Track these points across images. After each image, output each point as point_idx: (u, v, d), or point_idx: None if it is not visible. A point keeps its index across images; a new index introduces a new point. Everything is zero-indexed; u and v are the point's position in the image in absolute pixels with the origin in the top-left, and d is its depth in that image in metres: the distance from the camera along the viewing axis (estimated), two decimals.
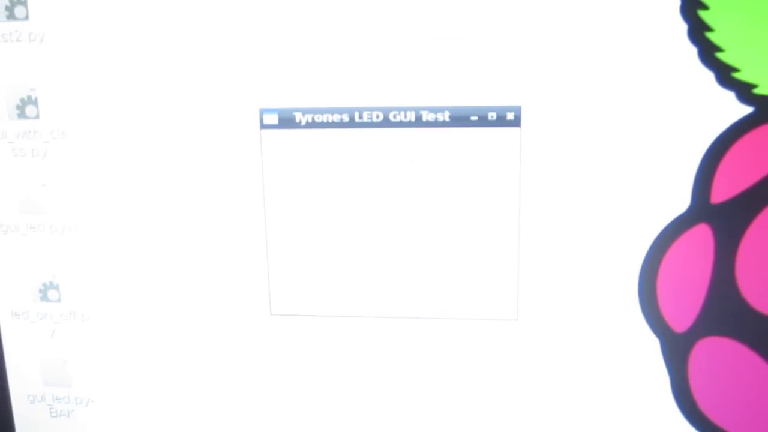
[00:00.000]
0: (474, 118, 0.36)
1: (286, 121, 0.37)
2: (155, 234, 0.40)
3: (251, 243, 0.39)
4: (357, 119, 0.37)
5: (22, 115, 0.39)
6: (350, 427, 0.41)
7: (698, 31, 0.34)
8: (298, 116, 0.37)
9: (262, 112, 0.38)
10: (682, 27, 0.34)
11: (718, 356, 0.37)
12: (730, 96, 0.34)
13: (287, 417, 0.42)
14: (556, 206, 0.37)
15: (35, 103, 0.39)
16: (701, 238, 0.36)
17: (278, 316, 0.40)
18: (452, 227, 0.38)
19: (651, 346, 0.38)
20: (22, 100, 0.39)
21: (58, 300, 0.41)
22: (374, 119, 0.37)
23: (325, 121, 0.37)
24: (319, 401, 0.41)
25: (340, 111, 0.37)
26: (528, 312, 0.38)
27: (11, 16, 0.38)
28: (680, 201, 0.36)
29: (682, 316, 0.37)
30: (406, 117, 0.37)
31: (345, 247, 0.39)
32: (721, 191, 0.36)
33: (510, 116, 0.36)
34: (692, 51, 0.34)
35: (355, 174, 0.38)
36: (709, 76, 0.34)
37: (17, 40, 0.38)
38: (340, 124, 0.37)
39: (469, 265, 0.38)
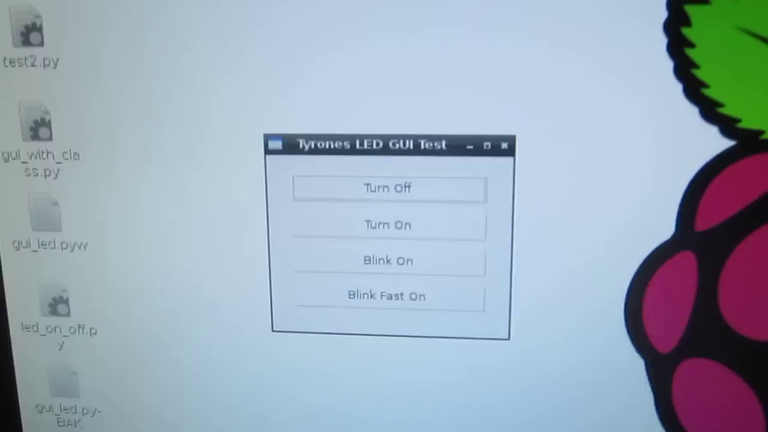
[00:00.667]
0: (470, 146, 0.38)
1: (290, 146, 0.39)
2: (161, 252, 0.41)
3: (255, 263, 0.41)
4: (358, 146, 0.39)
5: (35, 136, 0.40)
6: None
7: (685, 68, 0.36)
8: (302, 142, 0.39)
9: (267, 138, 0.39)
10: (669, 64, 0.36)
11: (701, 376, 0.39)
12: (713, 130, 0.36)
13: None
14: (547, 230, 0.38)
15: (48, 125, 0.40)
16: (685, 264, 0.38)
17: (280, 333, 0.42)
18: (446, 248, 0.39)
19: (636, 366, 0.39)
20: (35, 122, 0.40)
21: (68, 314, 0.43)
22: (374, 146, 0.38)
23: (327, 147, 0.39)
24: (321, 419, 0.43)
25: (342, 138, 0.39)
26: (519, 332, 0.40)
27: (26, 41, 0.39)
28: (665, 229, 0.37)
29: (666, 338, 0.39)
30: (405, 144, 0.38)
31: (344, 264, 0.40)
32: (705, 220, 0.37)
33: (504, 146, 0.38)
34: (678, 87, 0.36)
35: (355, 197, 0.39)
36: (694, 110, 0.36)
37: (32, 65, 0.40)
38: (342, 151, 0.39)
39: (462, 283, 0.40)
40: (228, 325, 0.42)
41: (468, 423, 0.41)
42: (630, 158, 0.37)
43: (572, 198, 0.38)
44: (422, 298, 0.40)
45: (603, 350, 0.39)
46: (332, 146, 0.38)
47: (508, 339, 0.39)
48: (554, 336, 0.39)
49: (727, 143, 0.36)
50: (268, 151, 0.39)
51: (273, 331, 0.41)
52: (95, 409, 0.44)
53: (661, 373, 0.39)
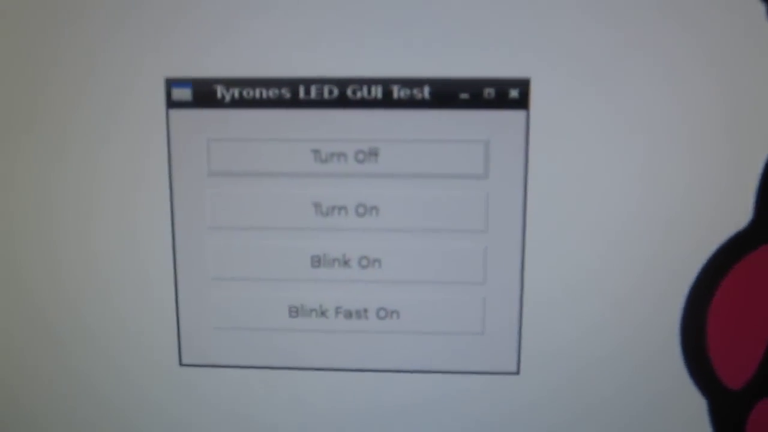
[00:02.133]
0: (463, 95, 0.26)
1: (203, 96, 0.27)
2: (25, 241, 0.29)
3: (153, 267, 0.28)
4: (302, 95, 0.27)
5: None
6: None
7: None
8: (220, 91, 0.27)
9: (171, 84, 0.27)
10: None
11: None
12: None
13: None
14: (573, 219, 0.27)
15: None
16: (765, 262, 0.27)
17: (190, 368, 0.29)
18: (429, 243, 0.28)
19: (695, 408, 0.28)
20: None
21: None
22: (326, 95, 0.27)
23: (256, 96, 0.27)
24: None
25: (278, 84, 0.27)
26: (533, 364, 0.28)
27: None
28: (739, 215, 0.27)
29: (738, 369, 0.28)
30: (370, 93, 0.27)
31: (282, 267, 0.28)
32: None
33: (513, 94, 0.26)
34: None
35: (298, 170, 0.27)
36: None
37: None
38: (278, 102, 0.27)
39: (452, 294, 0.28)
40: (121, 359, 0.29)
41: None
42: (693, 119, 0.27)
43: (609, 172, 0.27)
44: (394, 315, 0.28)
45: (650, 387, 0.29)
46: (263, 96, 0.27)
47: (517, 373, 0.29)
48: (580, 368, 0.29)
49: None
50: (171, 104, 0.27)
51: (181, 365, 0.29)
52: None
53: (729, 416, 0.29)
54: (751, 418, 0.29)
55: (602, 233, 0.27)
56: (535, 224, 0.27)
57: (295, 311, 0.29)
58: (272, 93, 0.27)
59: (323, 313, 0.28)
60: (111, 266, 0.29)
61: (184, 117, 0.27)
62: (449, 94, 0.27)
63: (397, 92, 0.27)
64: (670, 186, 0.27)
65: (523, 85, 0.26)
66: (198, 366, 0.29)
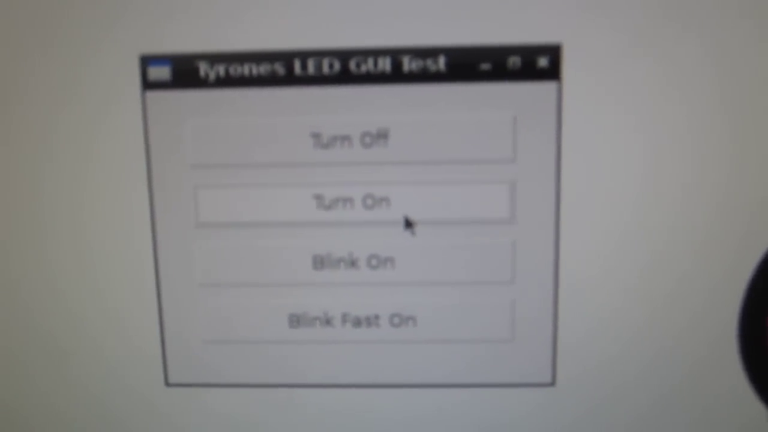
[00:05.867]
0: (485, 66, 0.23)
1: (184, 75, 0.23)
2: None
3: (134, 274, 0.25)
4: (298, 71, 0.23)
5: None
6: None
7: None
8: (203, 68, 0.23)
9: (147, 62, 0.23)
10: None
11: None
12: None
13: None
14: (617, 207, 0.24)
15: None
16: None
17: (178, 388, 0.26)
18: (449, 238, 0.24)
19: (756, 420, 0.25)
20: None
21: None
22: (327, 70, 0.23)
23: (246, 74, 0.23)
24: None
25: (272, 58, 0.23)
26: (570, 374, 0.25)
27: None
28: None
29: None
30: (376, 66, 0.23)
31: (280, 270, 0.25)
32: None
33: (543, 62, 0.23)
34: None
35: (296, 158, 0.24)
36: None
37: None
38: (271, 79, 0.23)
39: (477, 296, 0.24)
40: (99, 381, 0.26)
41: None
42: (742, 88, 0.22)
43: (653, 150, 0.23)
44: (410, 322, 0.25)
45: (702, 398, 0.25)
46: (253, 73, 0.23)
47: (553, 385, 0.24)
48: (624, 379, 0.25)
49: None
50: (147, 84, 0.23)
51: (167, 385, 0.25)
52: None
53: None
54: None
55: (647, 224, 0.24)
56: (570, 213, 0.24)
57: (296, 320, 0.25)
58: (263, 69, 0.23)
59: (328, 322, 0.25)
60: (82, 273, 0.25)
61: (162, 99, 0.24)
62: (468, 65, 0.23)
63: (408, 64, 0.23)
64: (722, 168, 0.23)
65: (554, 52, 0.23)
66: (186, 386, 0.26)
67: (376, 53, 0.23)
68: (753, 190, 0.23)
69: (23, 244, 0.25)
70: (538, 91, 0.23)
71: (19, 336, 0.25)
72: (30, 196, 0.24)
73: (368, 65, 0.23)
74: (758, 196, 0.23)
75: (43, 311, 0.25)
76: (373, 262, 0.24)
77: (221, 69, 0.23)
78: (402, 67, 0.23)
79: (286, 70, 0.23)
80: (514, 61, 0.23)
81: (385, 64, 0.23)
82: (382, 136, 0.24)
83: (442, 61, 0.23)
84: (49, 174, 0.24)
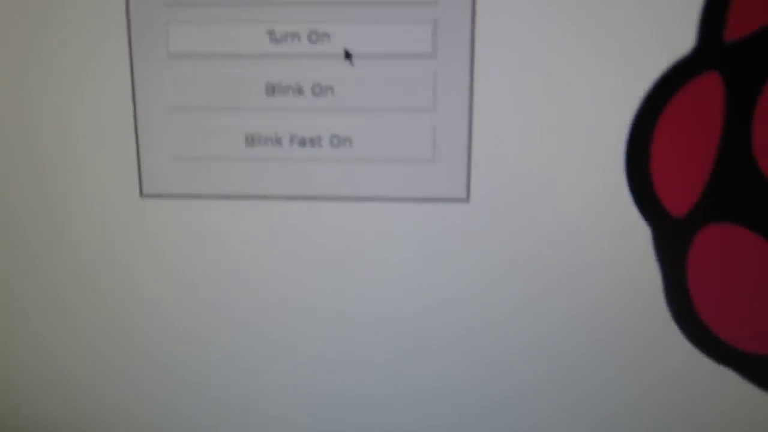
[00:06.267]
0: None
1: None
2: None
3: (110, 97, 0.29)
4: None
5: None
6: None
7: None
8: None
9: None
10: None
11: (728, 248, 0.29)
12: None
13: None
14: (526, 39, 0.28)
15: None
16: (709, 89, 0.28)
17: (152, 199, 0.30)
18: (381, 68, 0.28)
19: (640, 237, 0.29)
20: None
21: None
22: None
23: None
24: (213, 315, 0.31)
25: None
26: (482, 190, 0.29)
27: None
28: (682, 40, 0.27)
29: (682, 196, 0.29)
30: None
31: (237, 96, 0.29)
32: (740, 25, 0.27)
33: None
34: None
35: (251, 2, 0.28)
36: None
37: None
38: None
39: (403, 120, 0.29)
40: (82, 192, 0.30)
41: (421, 317, 0.31)
42: None
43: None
44: (347, 142, 0.29)
45: (595, 214, 0.29)
46: None
47: (467, 200, 0.28)
48: (530, 194, 0.29)
49: None
50: None
51: (142, 196, 0.30)
52: None
53: (673, 245, 0.29)
54: (694, 245, 0.29)
55: (556, 54, 0.28)
56: (485, 50, 0.28)
57: (251, 140, 0.29)
58: None
59: (278, 141, 0.29)
60: (68, 98, 0.29)
61: None
62: None
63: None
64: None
65: None
66: (158, 197, 0.30)
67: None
68: (641, 31, 0.27)
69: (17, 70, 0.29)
70: None
71: (18, 152, 0.30)
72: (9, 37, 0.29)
73: None
74: (645, 37, 0.27)
75: (38, 129, 0.29)
76: (317, 89, 0.29)
77: None
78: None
79: None
80: None
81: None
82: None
83: None
84: (32, 12, 0.28)
